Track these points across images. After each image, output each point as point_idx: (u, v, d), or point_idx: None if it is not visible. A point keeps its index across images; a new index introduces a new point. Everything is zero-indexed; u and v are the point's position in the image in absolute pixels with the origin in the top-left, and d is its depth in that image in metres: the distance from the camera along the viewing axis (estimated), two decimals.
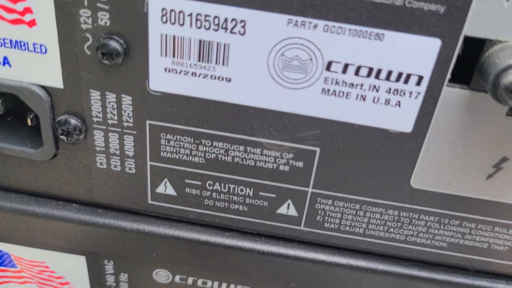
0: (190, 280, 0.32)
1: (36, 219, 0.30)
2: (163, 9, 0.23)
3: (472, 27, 0.22)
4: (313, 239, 0.29)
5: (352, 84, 0.24)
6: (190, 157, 0.27)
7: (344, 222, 0.28)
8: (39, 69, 0.26)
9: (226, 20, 0.23)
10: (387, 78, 0.23)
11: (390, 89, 0.24)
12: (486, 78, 0.22)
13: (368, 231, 0.29)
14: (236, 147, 0.27)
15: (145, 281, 0.33)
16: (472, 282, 0.29)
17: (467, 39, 0.22)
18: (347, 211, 0.28)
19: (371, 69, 0.23)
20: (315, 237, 0.29)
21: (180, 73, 0.25)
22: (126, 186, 0.29)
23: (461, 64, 0.23)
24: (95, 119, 0.27)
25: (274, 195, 0.28)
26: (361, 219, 0.28)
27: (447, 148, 0.25)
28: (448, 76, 0.23)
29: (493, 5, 0.21)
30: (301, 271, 0.30)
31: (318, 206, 0.28)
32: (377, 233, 0.29)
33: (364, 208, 0.28)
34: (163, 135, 0.27)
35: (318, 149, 0.26)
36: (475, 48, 0.22)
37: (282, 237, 0.29)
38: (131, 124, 0.27)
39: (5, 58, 0.26)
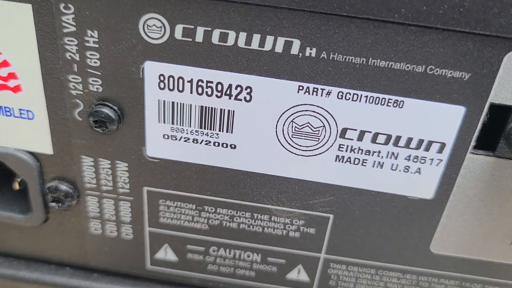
0: None
1: (26, 285, 0.28)
2: (160, 75, 0.21)
3: (498, 94, 0.20)
4: None
5: (369, 151, 0.22)
6: (192, 223, 0.25)
7: (358, 286, 0.27)
8: (26, 135, 0.24)
9: (230, 86, 0.21)
10: (407, 145, 0.21)
11: (409, 156, 0.22)
12: None
13: None
14: (242, 214, 0.25)
15: None
16: None
17: (493, 106, 0.20)
18: (362, 275, 0.26)
19: (389, 136, 0.21)
20: None
21: (180, 139, 0.23)
22: (123, 252, 0.27)
23: (486, 130, 0.21)
24: (88, 185, 0.25)
25: (284, 261, 0.26)
26: (377, 283, 0.26)
27: (470, 214, 0.23)
28: (473, 143, 0.21)
29: None
30: None
31: (331, 271, 0.26)
32: None
33: (380, 272, 0.26)
34: (162, 201, 0.25)
35: (331, 216, 0.24)
36: (501, 114, 0.21)
37: None
38: (127, 190, 0.25)
39: None
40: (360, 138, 0.21)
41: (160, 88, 0.21)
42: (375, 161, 0.22)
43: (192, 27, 0.20)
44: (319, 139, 0.22)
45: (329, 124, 0.21)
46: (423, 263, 0.25)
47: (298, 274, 0.26)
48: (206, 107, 0.21)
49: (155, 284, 0.28)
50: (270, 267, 0.26)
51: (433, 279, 0.26)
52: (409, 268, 0.25)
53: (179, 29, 0.20)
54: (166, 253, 0.27)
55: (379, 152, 0.22)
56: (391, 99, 0.20)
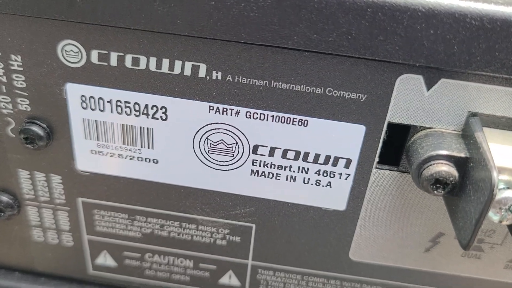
0: None
1: None
2: (82, 96, 0.22)
3: (395, 114, 0.21)
4: None
5: (281, 166, 0.23)
6: (126, 231, 0.27)
7: None
8: None
9: (146, 106, 0.22)
10: (315, 161, 0.23)
11: (319, 171, 0.23)
12: (410, 165, 0.21)
13: None
14: (171, 223, 0.26)
15: None
16: None
17: (391, 125, 0.21)
18: (289, 281, 0.27)
19: (298, 153, 0.22)
20: None
21: (106, 154, 0.24)
22: (66, 258, 0.28)
23: (391, 146, 0.22)
24: (26, 196, 0.26)
25: (215, 267, 0.27)
26: None
27: (383, 225, 0.24)
28: (376, 159, 0.22)
29: (414, 94, 0.20)
30: None
31: (259, 276, 0.27)
32: None
33: (306, 278, 0.27)
34: (96, 211, 0.26)
35: (254, 225, 0.25)
36: (402, 132, 0.22)
37: None
38: (64, 201, 0.26)
39: None
40: (271, 154, 0.23)
41: (83, 108, 0.23)
42: (287, 175, 0.23)
43: (106, 52, 0.21)
44: (233, 154, 0.23)
45: (241, 141, 0.22)
46: (344, 269, 0.26)
47: (229, 279, 0.28)
48: (126, 125, 0.23)
49: None
50: (203, 272, 0.28)
51: (356, 284, 0.27)
52: (333, 274, 0.27)
53: (94, 54, 0.21)
54: (106, 259, 0.28)
55: (291, 167, 0.23)
56: (296, 118, 0.22)
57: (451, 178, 0.20)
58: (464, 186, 0.20)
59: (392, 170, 0.23)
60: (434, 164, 0.20)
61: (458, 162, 0.20)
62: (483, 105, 0.21)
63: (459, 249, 0.25)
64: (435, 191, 0.20)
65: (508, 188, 0.20)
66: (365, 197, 0.23)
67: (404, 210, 0.24)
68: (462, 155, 0.20)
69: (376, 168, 0.23)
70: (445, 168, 0.20)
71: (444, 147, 0.20)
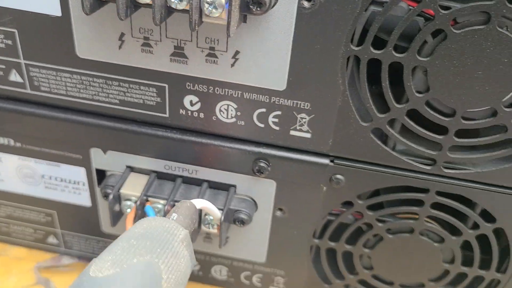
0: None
1: None
2: None
3: None
4: (37, 100, 0.42)
5: None
6: None
7: (52, 85, 0.42)
8: None
9: None
10: None
11: None
12: None
13: (69, 93, 0.42)
14: None
15: None
16: (141, 130, 0.41)
17: None
18: (50, 77, 0.41)
19: None
20: (39, 98, 0.42)
21: None
22: None
23: None
24: None
25: (4, 66, 0.41)
26: (60, 83, 0.41)
27: (97, 24, 0.37)
28: None
29: None
30: (29, 124, 0.43)
31: (32, 74, 0.41)
32: (75, 94, 0.42)
33: (60, 74, 0.41)
34: None
35: (16, 30, 0.39)
36: None
37: (15, 99, 0.43)
38: None
39: None
40: None
41: None
42: None
43: None
44: None
45: None
46: (78, 65, 0.40)
47: (15, 77, 0.42)
48: None
49: None
50: (2, 72, 0.42)
51: (89, 78, 0.40)
52: (74, 70, 0.40)
53: None
54: None
55: None
56: None
57: None
58: None
59: None
60: None
61: None
62: None
63: (138, 45, 0.37)
64: None
65: None
66: (69, 4, 0.37)
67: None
68: None
69: None
70: None
71: None
